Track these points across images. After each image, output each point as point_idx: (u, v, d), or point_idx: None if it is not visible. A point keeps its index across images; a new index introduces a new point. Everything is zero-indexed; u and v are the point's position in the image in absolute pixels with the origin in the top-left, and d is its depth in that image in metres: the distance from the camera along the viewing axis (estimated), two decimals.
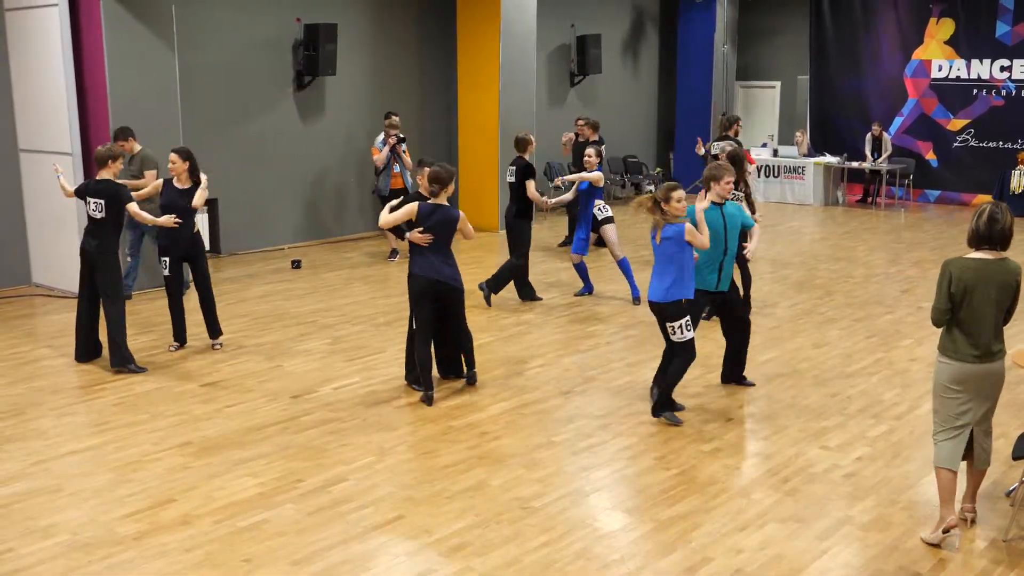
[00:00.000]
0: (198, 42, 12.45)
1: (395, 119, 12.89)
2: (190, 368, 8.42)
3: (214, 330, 8.93)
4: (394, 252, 13.01)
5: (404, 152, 12.65)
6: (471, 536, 5.41)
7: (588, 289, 11.10)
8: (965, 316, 5.29)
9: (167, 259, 8.65)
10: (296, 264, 12.70)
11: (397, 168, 12.62)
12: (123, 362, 8.21)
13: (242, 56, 13.12)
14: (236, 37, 13.04)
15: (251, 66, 13.24)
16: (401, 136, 12.58)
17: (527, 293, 10.77)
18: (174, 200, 8.52)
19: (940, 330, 5.55)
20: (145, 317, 10.04)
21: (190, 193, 8.50)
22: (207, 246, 9.76)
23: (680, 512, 5.72)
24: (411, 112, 15.05)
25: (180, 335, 8.94)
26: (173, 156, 8.54)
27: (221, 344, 8.93)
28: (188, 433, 6.92)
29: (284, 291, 11.40)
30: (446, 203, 7.46)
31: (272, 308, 10.56)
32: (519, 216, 10.49)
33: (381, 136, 12.73)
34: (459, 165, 15.85)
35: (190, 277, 9.19)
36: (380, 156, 12.60)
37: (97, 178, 8.21)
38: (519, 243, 10.47)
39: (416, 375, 7.69)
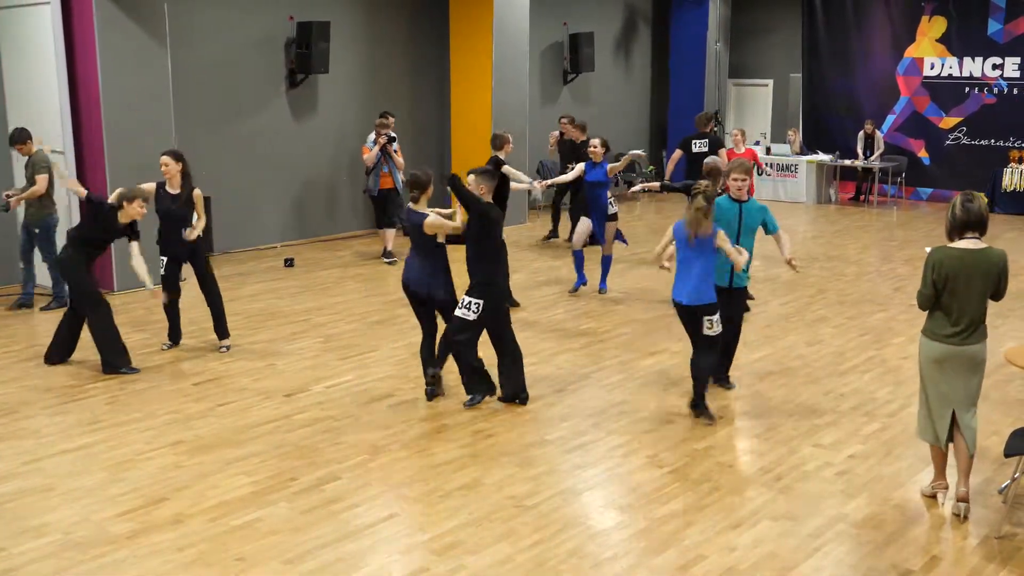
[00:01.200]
0: (191, 40, 12.45)
1: (391, 120, 12.75)
2: (183, 367, 8.44)
3: (220, 331, 8.88)
4: (387, 252, 12.92)
5: (395, 152, 12.52)
6: (464, 534, 5.43)
7: (582, 281, 11.08)
8: (946, 301, 5.56)
9: (164, 258, 8.67)
10: (289, 262, 12.71)
11: (386, 168, 12.49)
12: (112, 369, 8.19)
13: (235, 54, 13.12)
14: (229, 35, 13.04)
15: (244, 64, 13.24)
16: (391, 136, 12.47)
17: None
18: (168, 207, 8.51)
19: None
20: (138, 316, 10.04)
21: (180, 198, 8.45)
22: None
23: (673, 510, 5.75)
24: (404, 110, 15.05)
25: (173, 335, 8.94)
26: (165, 159, 8.47)
27: (228, 347, 8.87)
28: (181, 432, 6.93)
29: (277, 289, 11.41)
30: (423, 209, 7.31)
31: (265, 306, 10.57)
32: None
33: (373, 135, 12.70)
34: (452, 163, 15.88)
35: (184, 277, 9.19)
36: (370, 155, 12.50)
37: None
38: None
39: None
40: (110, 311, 8.25)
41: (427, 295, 7.35)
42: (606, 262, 11.01)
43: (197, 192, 8.58)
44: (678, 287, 7.05)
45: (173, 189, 8.51)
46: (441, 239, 7.28)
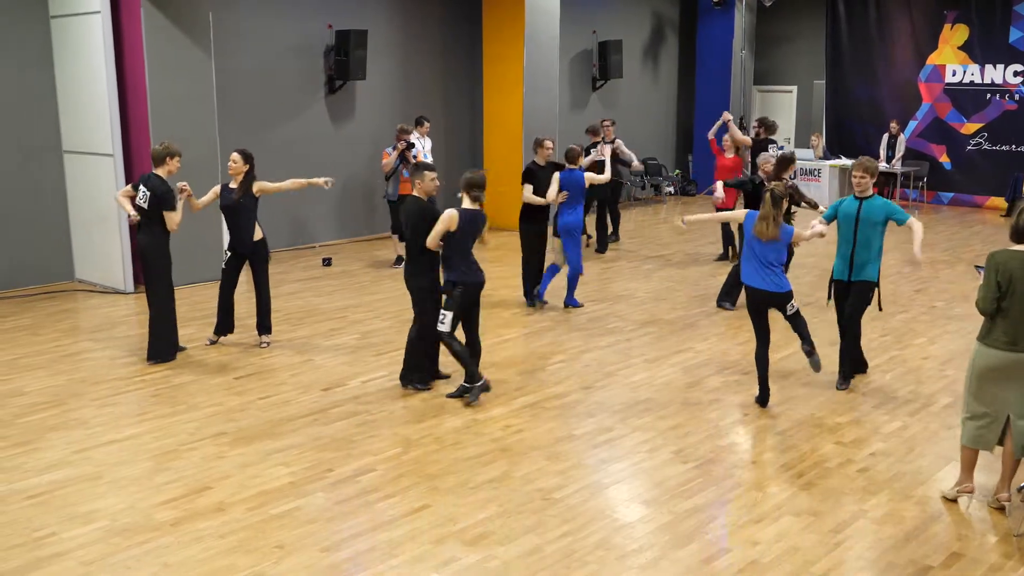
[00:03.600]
0: (234, 48, 12.69)
1: (426, 125, 12.81)
2: (225, 361, 8.61)
3: (263, 327, 9.04)
4: (399, 259, 12.86)
5: (415, 158, 12.21)
6: (494, 526, 5.53)
7: (540, 297, 10.72)
8: (1007, 305, 5.44)
9: (228, 253, 8.84)
10: (327, 262, 12.92)
11: (406, 174, 12.17)
12: (159, 359, 8.44)
13: (276, 61, 13.37)
14: (270, 43, 13.28)
15: (284, 71, 13.49)
16: (410, 142, 12.39)
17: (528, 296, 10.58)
18: (227, 201, 8.70)
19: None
20: (183, 312, 10.07)
21: (237, 191, 8.64)
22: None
23: (697, 504, 5.83)
24: (438, 116, 15.24)
25: (220, 329, 9.07)
26: (234, 155, 8.67)
27: (268, 343, 9.04)
28: (223, 424, 7.09)
29: (315, 288, 11.60)
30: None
31: (303, 304, 10.76)
32: (521, 219, 10.35)
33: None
34: (484, 167, 16.03)
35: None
36: (387, 161, 12.44)
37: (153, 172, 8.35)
38: (522, 247, 10.43)
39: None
40: (175, 303, 8.48)
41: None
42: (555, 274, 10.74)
43: (259, 184, 8.70)
44: (753, 276, 7.35)
45: (234, 184, 8.70)
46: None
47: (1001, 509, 5.75)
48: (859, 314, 7.90)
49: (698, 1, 20.37)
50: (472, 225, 7.50)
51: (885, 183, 18.69)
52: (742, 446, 6.85)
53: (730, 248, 13.03)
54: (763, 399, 7.54)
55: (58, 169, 11.41)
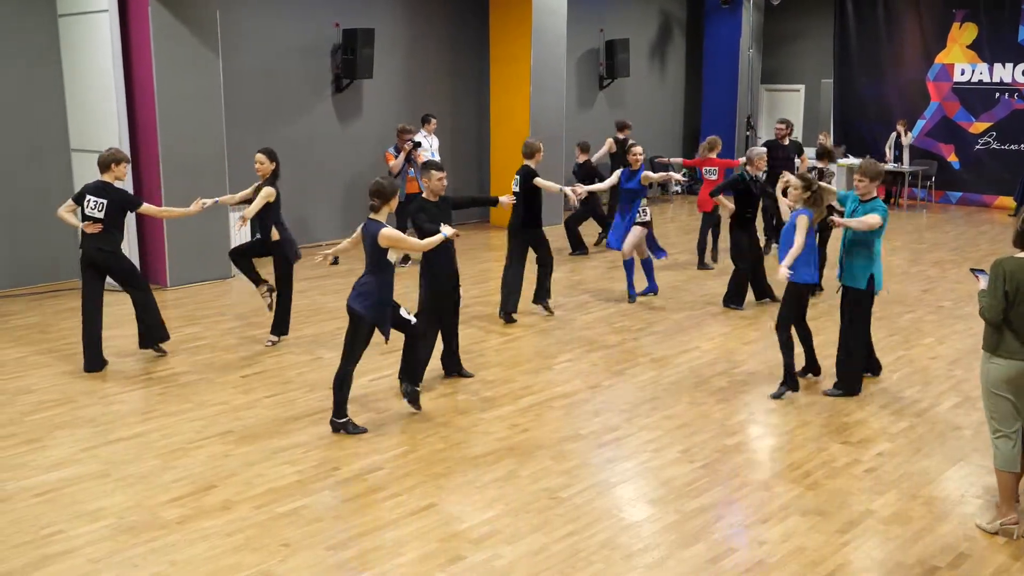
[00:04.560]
0: (241, 47, 12.72)
1: (433, 122, 12.90)
2: (231, 359, 8.63)
3: (277, 328, 9.07)
4: (406, 258, 12.76)
5: (419, 157, 12.34)
6: (500, 524, 5.53)
7: (637, 291, 10.96)
8: (1016, 314, 5.25)
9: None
10: (334, 260, 12.91)
11: (412, 173, 12.33)
12: (151, 343, 8.53)
13: (283, 60, 13.39)
14: (277, 42, 13.30)
15: (291, 70, 13.51)
16: (416, 141, 12.46)
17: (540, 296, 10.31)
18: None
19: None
20: (189, 310, 10.29)
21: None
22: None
23: (703, 504, 5.82)
24: (444, 115, 15.24)
25: (280, 327, 9.07)
26: (260, 156, 8.71)
27: (274, 342, 9.05)
28: (229, 422, 7.11)
29: (322, 286, 11.59)
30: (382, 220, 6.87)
31: (310, 302, 10.76)
32: (525, 225, 9.76)
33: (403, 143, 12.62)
34: (491, 166, 16.06)
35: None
36: (395, 163, 12.46)
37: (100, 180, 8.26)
38: (521, 257, 9.92)
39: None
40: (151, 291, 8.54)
41: (351, 310, 6.80)
42: (647, 266, 10.92)
43: (266, 189, 8.64)
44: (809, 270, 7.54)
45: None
46: (393, 257, 6.78)
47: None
48: (856, 323, 7.72)
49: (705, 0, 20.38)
50: (365, 237, 6.86)
51: (893, 182, 18.67)
52: (749, 445, 6.84)
53: (707, 255, 12.93)
54: (795, 384, 7.77)
55: (65, 167, 11.42)
